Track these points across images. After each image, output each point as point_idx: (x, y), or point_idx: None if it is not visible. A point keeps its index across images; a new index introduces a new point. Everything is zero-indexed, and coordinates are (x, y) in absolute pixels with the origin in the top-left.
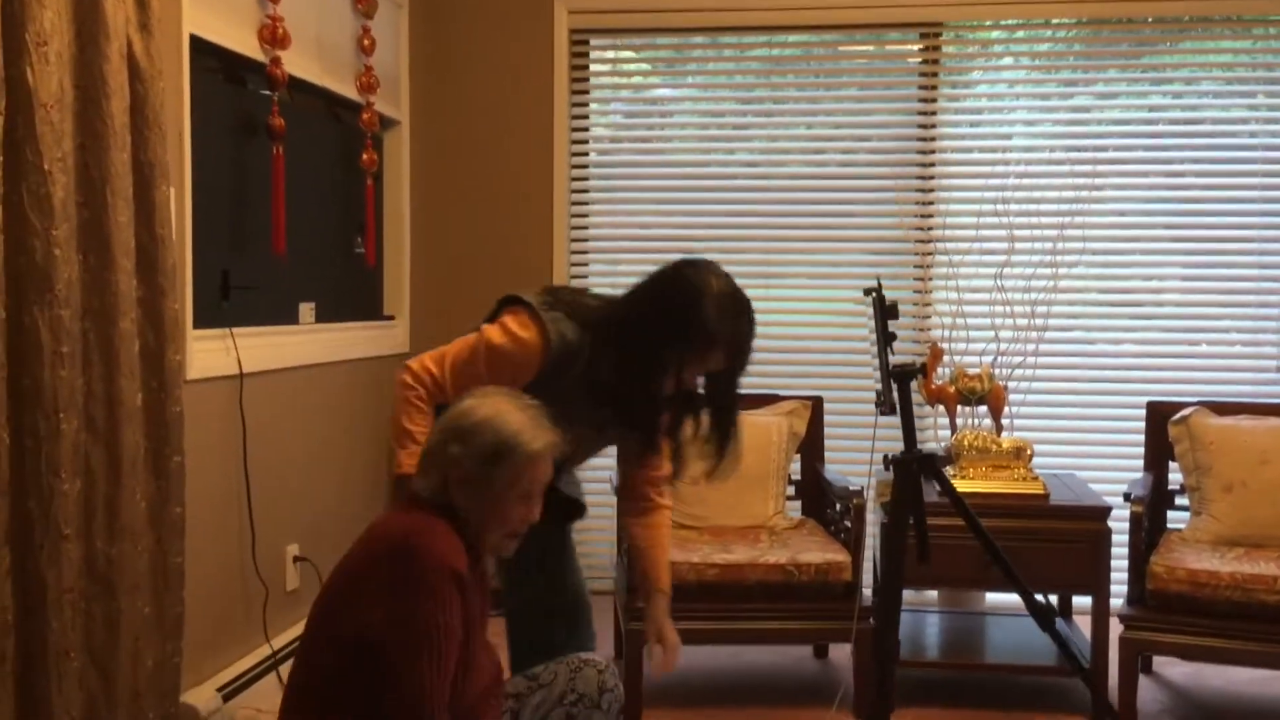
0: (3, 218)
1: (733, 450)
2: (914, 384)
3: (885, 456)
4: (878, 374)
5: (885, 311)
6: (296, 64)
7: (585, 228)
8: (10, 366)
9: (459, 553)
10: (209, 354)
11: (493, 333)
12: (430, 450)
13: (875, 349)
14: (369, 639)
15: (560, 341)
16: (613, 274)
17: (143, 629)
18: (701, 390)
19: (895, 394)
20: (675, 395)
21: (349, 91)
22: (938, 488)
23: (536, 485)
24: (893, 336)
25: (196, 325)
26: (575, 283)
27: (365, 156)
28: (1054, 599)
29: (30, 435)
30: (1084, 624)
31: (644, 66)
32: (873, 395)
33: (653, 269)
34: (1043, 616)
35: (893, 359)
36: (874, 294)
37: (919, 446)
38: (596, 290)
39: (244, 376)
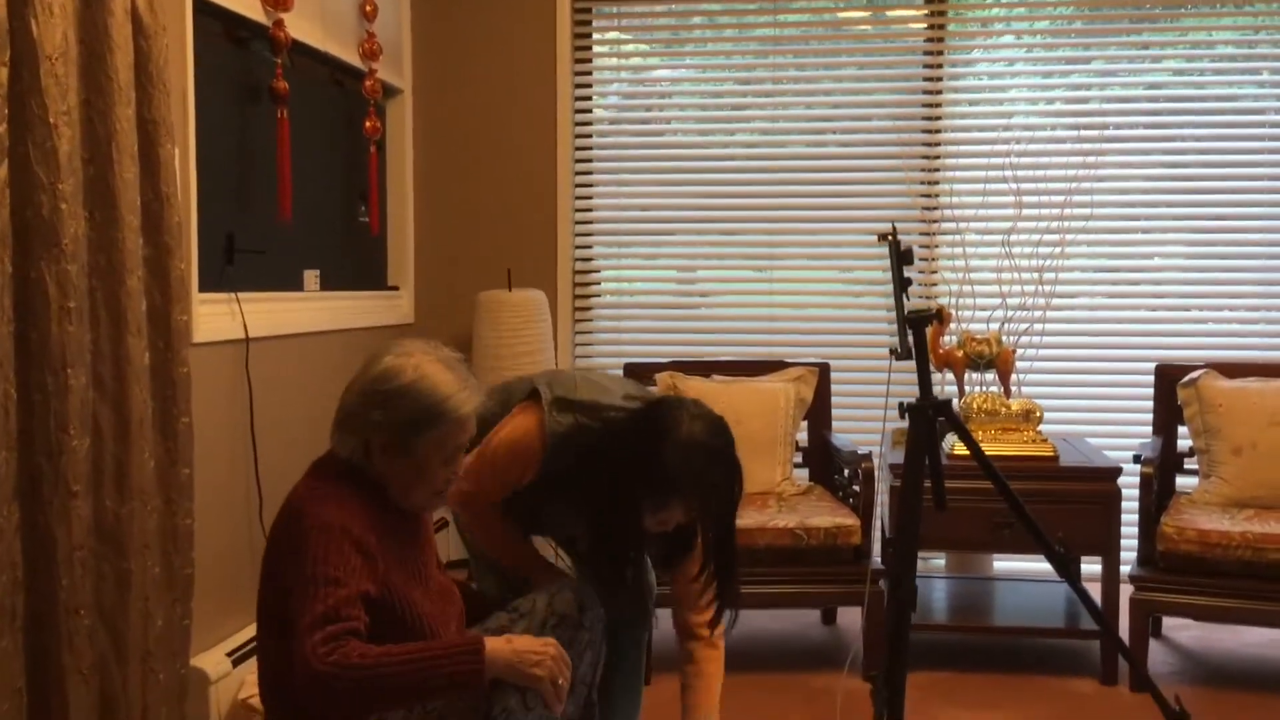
0: (9, 171)
1: (731, 604)
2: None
3: (900, 404)
4: (893, 320)
5: (900, 257)
6: (299, 27)
7: (589, 198)
8: (17, 321)
9: (354, 514)
10: (214, 317)
11: (503, 440)
12: (350, 412)
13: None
14: (266, 599)
15: (554, 452)
16: (616, 236)
17: (152, 589)
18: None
19: (911, 340)
20: (663, 534)
21: (351, 58)
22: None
23: (462, 447)
24: (908, 282)
25: (201, 289)
26: (579, 254)
27: (368, 124)
28: None
29: (38, 390)
30: (1093, 591)
31: (643, 48)
32: (875, 365)
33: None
34: (1062, 564)
35: (907, 305)
36: (889, 239)
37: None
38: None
39: (250, 341)
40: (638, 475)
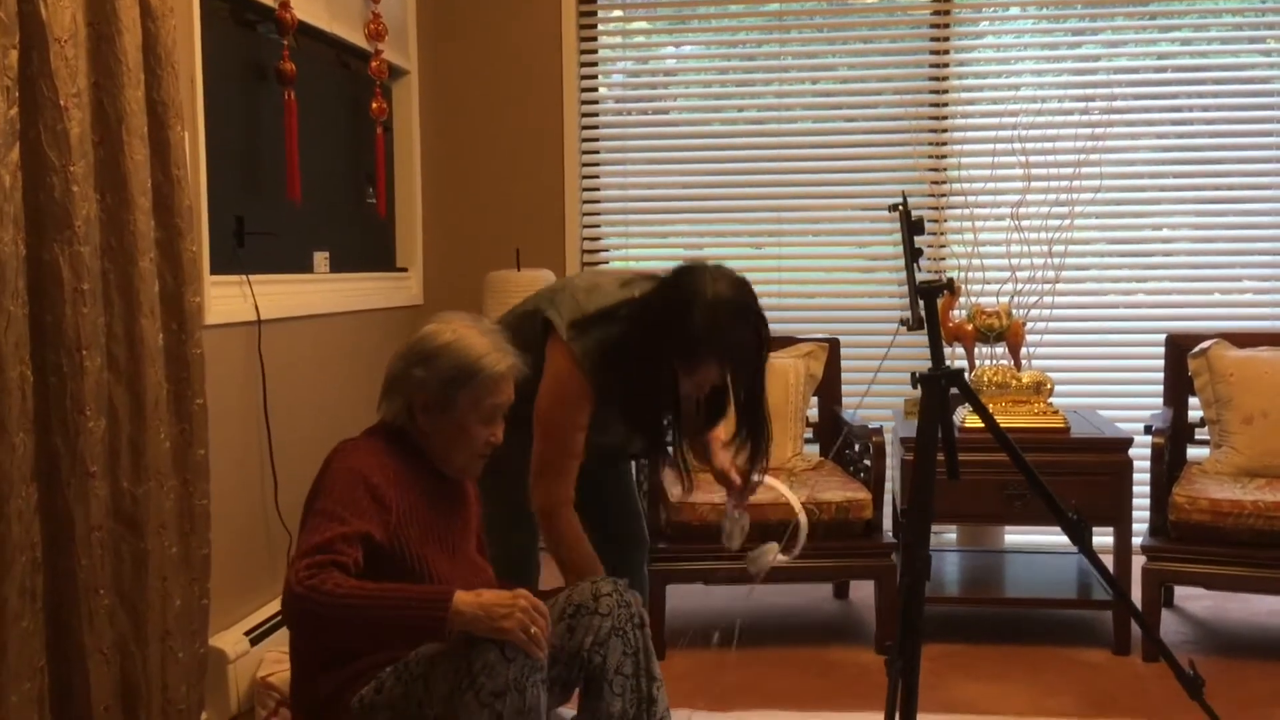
0: (21, 154)
1: (764, 459)
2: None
3: (913, 373)
4: (903, 294)
5: (911, 227)
6: (305, 9)
7: (596, 176)
8: (32, 304)
9: (382, 468)
10: (226, 300)
11: (547, 396)
12: (394, 376)
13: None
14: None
15: (593, 372)
16: (623, 215)
17: (170, 569)
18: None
19: (922, 310)
20: (698, 402)
21: (357, 39)
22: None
23: (499, 408)
24: (919, 252)
25: (213, 271)
26: (586, 232)
27: (375, 105)
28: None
29: (54, 372)
30: (1105, 562)
31: (648, 26)
32: (885, 340)
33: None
34: (1076, 530)
35: (919, 275)
36: (900, 209)
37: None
38: (614, 266)
39: (261, 323)
40: (670, 341)
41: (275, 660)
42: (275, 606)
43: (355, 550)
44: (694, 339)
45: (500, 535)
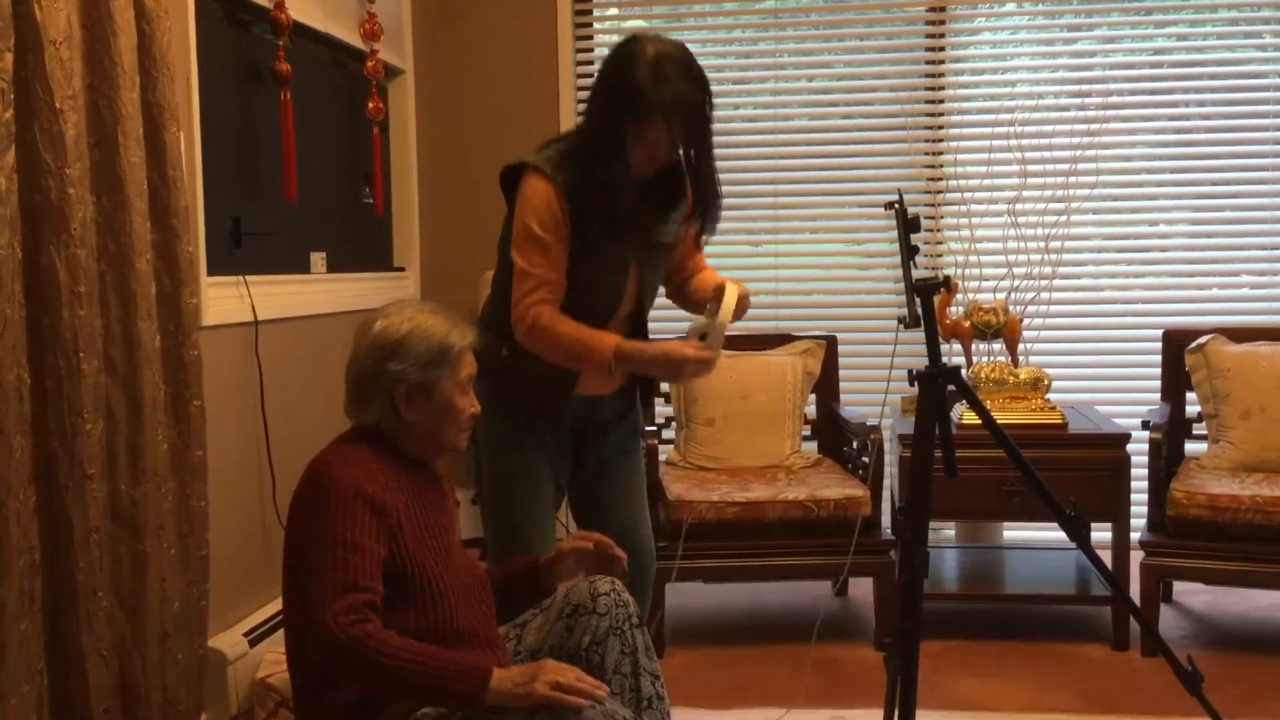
0: (17, 157)
1: (715, 209)
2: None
3: (910, 371)
4: (900, 291)
5: (907, 225)
6: (300, 9)
7: None
8: (29, 306)
9: (371, 476)
10: (223, 300)
11: (523, 219)
12: (365, 376)
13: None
14: (290, 563)
15: (567, 184)
16: None
17: (168, 571)
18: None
19: (919, 307)
20: (657, 180)
21: (353, 39)
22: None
23: (472, 377)
24: (915, 250)
25: (210, 272)
26: None
27: (371, 105)
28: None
29: (51, 375)
30: (1103, 557)
31: (644, 23)
32: (882, 337)
33: None
34: (1073, 526)
35: (915, 273)
36: (895, 207)
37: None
38: None
39: (259, 324)
40: (617, 103)
41: (274, 661)
42: (274, 607)
43: (378, 582)
44: (640, 92)
45: (494, 507)
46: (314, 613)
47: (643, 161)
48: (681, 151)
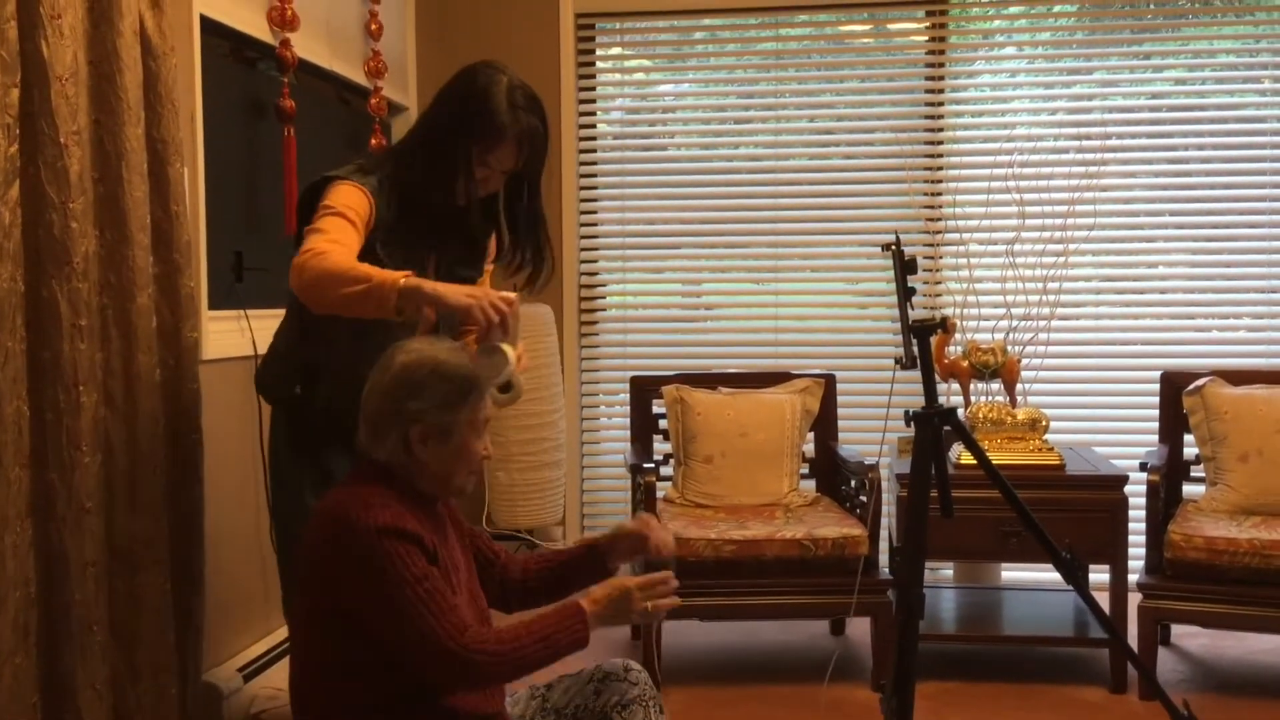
0: (21, 191)
1: (546, 258)
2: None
3: (906, 411)
4: (899, 330)
5: (904, 266)
6: (305, 47)
7: (594, 212)
8: (30, 339)
9: (395, 512)
10: (224, 335)
11: (326, 201)
12: (383, 414)
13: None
14: (347, 608)
15: (374, 191)
16: (621, 250)
17: (164, 605)
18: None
19: (915, 348)
20: (481, 204)
21: (357, 76)
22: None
23: (487, 420)
24: (912, 291)
25: (211, 306)
26: (584, 268)
27: (374, 142)
28: None
29: (50, 408)
30: (1100, 599)
31: (646, 63)
32: (881, 376)
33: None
34: (1069, 570)
35: (912, 314)
36: (893, 249)
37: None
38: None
39: (259, 358)
40: (471, 120)
41: (269, 696)
42: (269, 642)
43: (455, 590)
44: (496, 114)
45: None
46: (439, 659)
47: (475, 183)
48: (508, 188)
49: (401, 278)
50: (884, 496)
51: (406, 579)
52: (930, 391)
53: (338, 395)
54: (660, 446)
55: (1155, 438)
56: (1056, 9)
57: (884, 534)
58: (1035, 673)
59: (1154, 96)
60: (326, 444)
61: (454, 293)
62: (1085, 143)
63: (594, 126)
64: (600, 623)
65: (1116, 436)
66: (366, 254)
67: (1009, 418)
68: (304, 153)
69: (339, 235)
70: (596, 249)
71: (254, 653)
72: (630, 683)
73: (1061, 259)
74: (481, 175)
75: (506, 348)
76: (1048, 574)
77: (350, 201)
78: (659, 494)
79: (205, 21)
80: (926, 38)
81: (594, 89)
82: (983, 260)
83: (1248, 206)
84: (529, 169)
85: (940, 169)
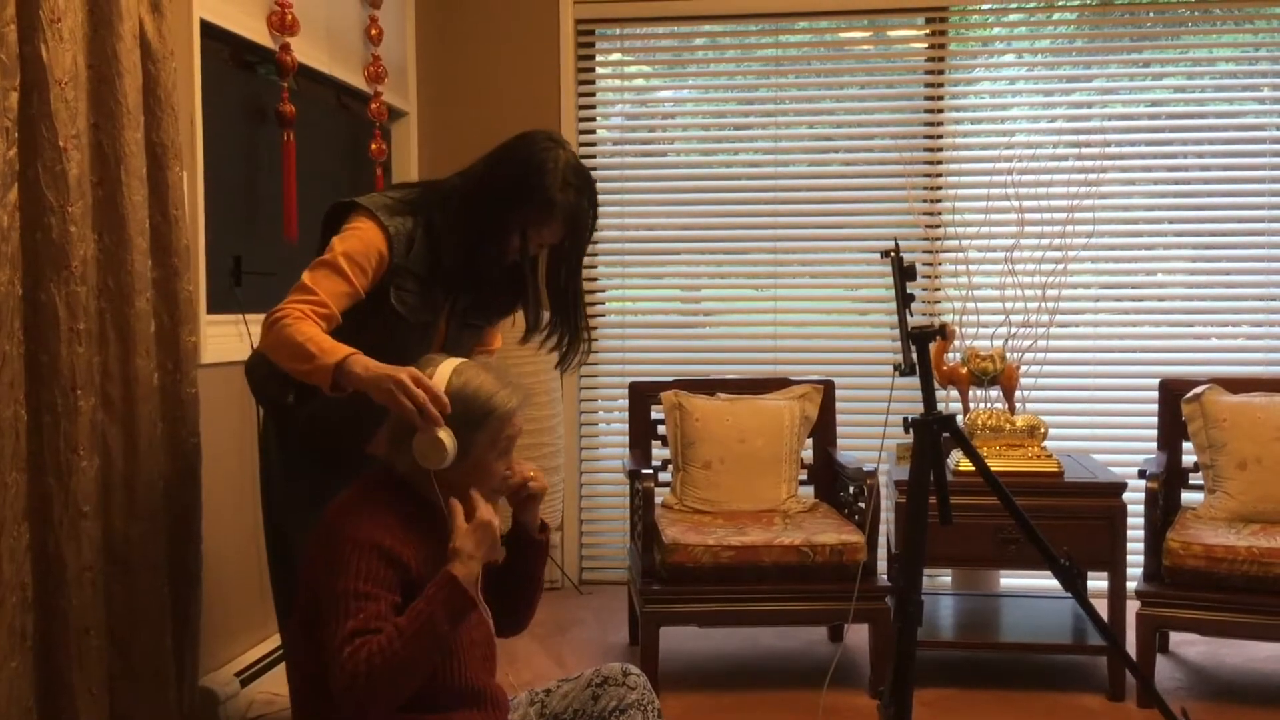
0: (19, 194)
1: (583, 339)
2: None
3: (905, 418)
4: (898, 337)
5: (903, 273)
6: (305, 52)
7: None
8: (28, 343)
9: (389, 529)
10: (223, 339)
11: (335, 245)
12: (403, 426)
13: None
14: (303, 613)
15: (398, 234)
16: (620, 256)
17: (161, 610)
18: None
19: (914, 355)
20: (516, 274)
21: (357, 81)
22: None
23: (513, 439)
24: (911, 298)
25: (210, 310)
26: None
27: (374, 146)
28: None
29: (48, 412)
30: (1099, 606)
31: (646, 70)
32: (880, 382)
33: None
34: (1068, 577)
35: (911, 321)
36: (892, 255)
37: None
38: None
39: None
40: (521, 195)
41: (265, 701)
42: (266, 647)
43: (389, 624)
44: (550, 190)
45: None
46: (332, 666)
47: (512, 250)
48: (548, 264)
49: (342, 357)
50: (882, 503)
51: (348, 589)
52: (929, 398)
53: (328, 411)
54: (659, 452)
55: (1154, 445)
56: (1056, 17)
57: (882, 540)
58: (1033, 680)
59: (1153, 104)
60: (313, 459)
61: (380, 381)
62: (1084, 150)
63: (594, 132)
64: (472, 561)
65: (1115, 444)
66: (379, 294)
67: (1008, 424)
68: (303, 158)
69: (323, 295)
70: (596, 254)
71: (250, 657)
72: (629, 687)
73: (1060, 266)
74: (519, 245)
75: (444, 435)
76: (1046, 581)
77: (360, 248)
78: (657, 500)
79: (205, 26)
80: (926, 45)
81: (594, 95)
82: (982, 267)
83: (1247, 214)
84: (571, 248)
85: (939, 175)
